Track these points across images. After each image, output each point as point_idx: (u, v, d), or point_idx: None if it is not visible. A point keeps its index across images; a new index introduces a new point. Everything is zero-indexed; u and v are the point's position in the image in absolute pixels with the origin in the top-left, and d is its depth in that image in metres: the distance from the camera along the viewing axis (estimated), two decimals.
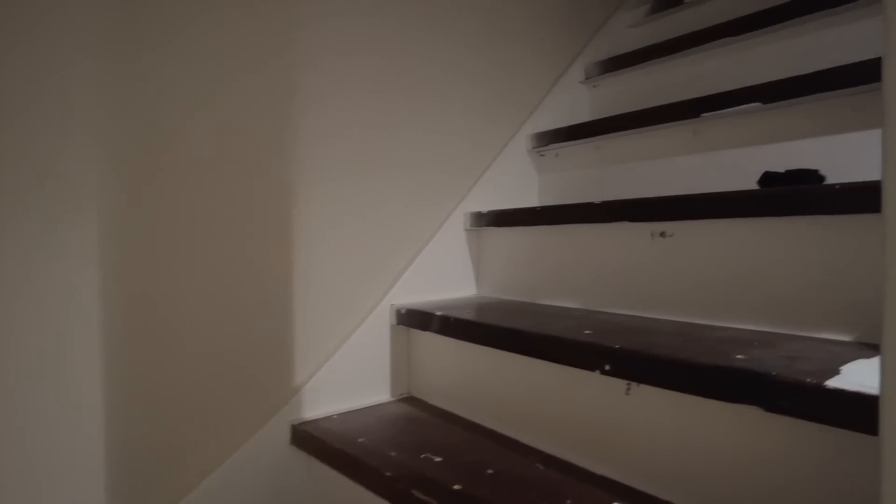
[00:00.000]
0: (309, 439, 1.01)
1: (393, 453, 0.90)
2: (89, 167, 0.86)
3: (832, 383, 0.55)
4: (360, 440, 0.96)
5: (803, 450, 0.61)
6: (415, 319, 1.11)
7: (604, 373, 0.77)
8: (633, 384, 0.78)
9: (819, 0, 1.09)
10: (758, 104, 1.01)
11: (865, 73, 0.87)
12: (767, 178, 0.97)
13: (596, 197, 1.33)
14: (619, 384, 0.80)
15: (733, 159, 1.09)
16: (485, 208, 1.32)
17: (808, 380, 0.56)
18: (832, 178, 0.95)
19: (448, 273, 1.27)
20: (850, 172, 0.93)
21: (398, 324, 1.16)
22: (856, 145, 0.93)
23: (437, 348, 1.13)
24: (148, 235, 0.91)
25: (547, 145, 1.39)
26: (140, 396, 0.91)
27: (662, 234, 0.96)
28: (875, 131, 0.90)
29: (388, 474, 0.83)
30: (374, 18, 1.15)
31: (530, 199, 1.45)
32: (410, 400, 1.17)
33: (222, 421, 0.99)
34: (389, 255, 1.19)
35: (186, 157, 0.94)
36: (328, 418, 1.06)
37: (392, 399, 1.17)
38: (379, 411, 1.10)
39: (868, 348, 0.69)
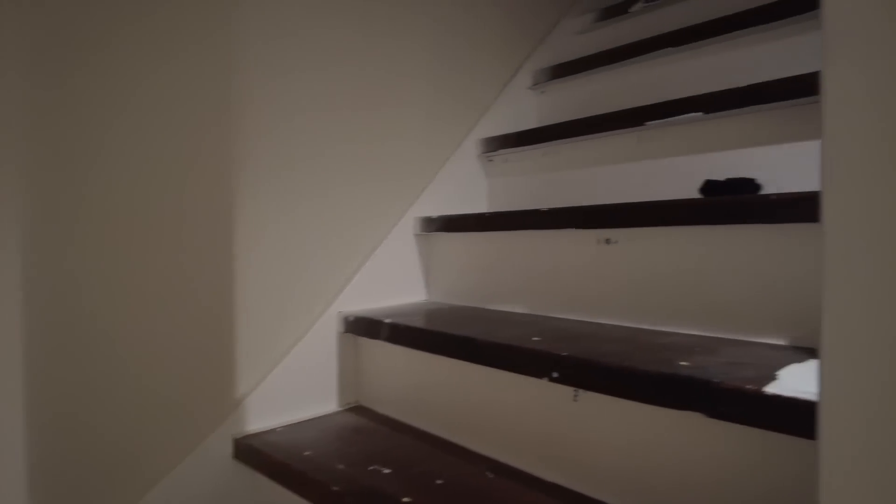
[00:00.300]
0: (252, 453, 0.97)
1: (340, 466, 0.88)
2: (6, 169, 0.80)
3: (770, 389, 0.56)
4: (307, 453, 0.93)
5: (744, 454, 0.63)
6: (363, 327, 1.09)
7: (552, 380, 0.77)
8: (581, 391, 0.79)
9: (755, 16, 1.13)
10: (699, 114, 1.04)
11: (797, 87, 0.91)
12: (709, 186, 0.99)
13: (544, 202, 1.35)
14: (567, 391, 0.81)
15: (676, 167, 1.12)
16: (435, 213, 1.31)
17: (748, 386, 0.58)
18: (767, 186, 0.99)
19: (397, 279, 1.26)
20: (784, 181, 0.97)
21: (346, 331, 1.13)
22: (788, 155, 0.97)
23: (386, 356, 1.12)
24: (78, 240, 0.86)
25: (496, 150, 1.40)
26: (69, 412, 0.86)
27: (608, 241, 0.98)
28: (805, 143, 0.93)
29: (336, 489, 0.81)
30: (321, 19, 1.13)
31: (480, 204, 1.45)
32: (359, 409, 1.14)
33: (160, 436, 0.94)
34: (337, 261, 1.16)
35: (112, 159, 0.89)
36: (273, 431, 1.03)
37: (340, 409, 1.14)
38: (326, 422, 1.07)
39: (802, 352, 0.72)
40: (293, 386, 1.08)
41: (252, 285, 1.04)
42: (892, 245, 0.38)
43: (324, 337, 1.13)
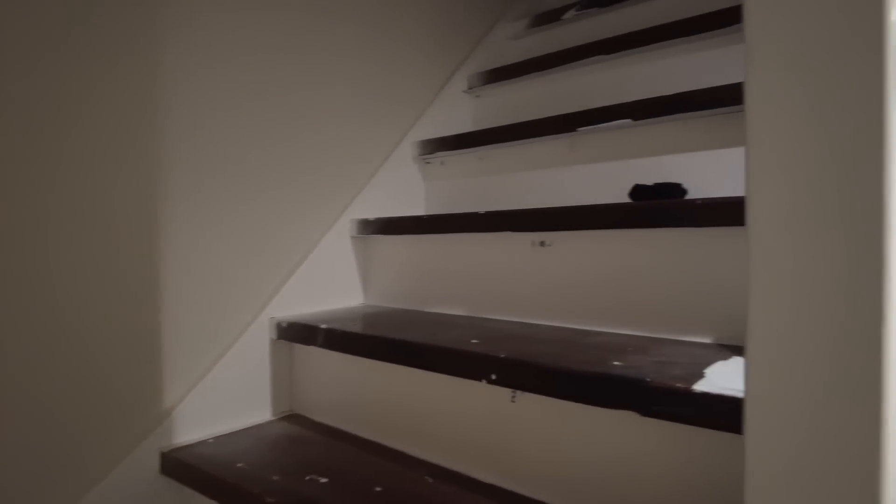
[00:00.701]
0: (181, 467, 0.92)
1: (276, 477, 0.85)
2: None
3: (699, 387, 0.59)
4: (240, 465, 0.89)
5: (677, 450, 0.65)
6: (297, 333, 1.06)
7: (490, 382, 0.77)
8: (519, 392, 0.80)
9: (682, 27, 1.18)
10: (628, 121, 1.07)
11: (720, 97, 0.96)
12: (637, 191, 1.03)
13: (481, 205, 1.36)
14: (506, 393, 0.81)
15: (607, 171, 1.15)
16: (372, 215, 1.29)
17: (678, 385, 0.60)
18: (693, 191, 1.03)
19: (334, 282, 1.23)
20: (709, 186, 1.02)
21: (279, 338, 1.10)
22: (713, 161, 1.02)
23: (322, 362, 1.09)
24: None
25: (432, 153, 1.40)
26: None
27: (542, 244, 0.99)
28: (728, 150, 0.99)
29: (271, 500, 0.78)
30: (247, 14, 1.09)
31: (417, 206, 1.44)
32: (294, 418, 1.11)
33: (80, 453, 0.88)
34: (269, 265, 1.13)
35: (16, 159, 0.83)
36: (203, 443, 0.98)
37: (274, 418, 1.11)
38: (260, 432, 1.04)
39: (726, 350, 0.76)
40: (224, 395, 1.04)
41: (178, 293, 0.99)
42: (814, 246, 0.41)
43: (256, 344, 1.10)
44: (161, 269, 0.97)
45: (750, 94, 0.44)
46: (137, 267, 0.94)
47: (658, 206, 0.83)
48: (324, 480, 0.84)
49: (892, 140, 0.40)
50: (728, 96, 0.95)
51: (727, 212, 0.76)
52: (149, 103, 0.95)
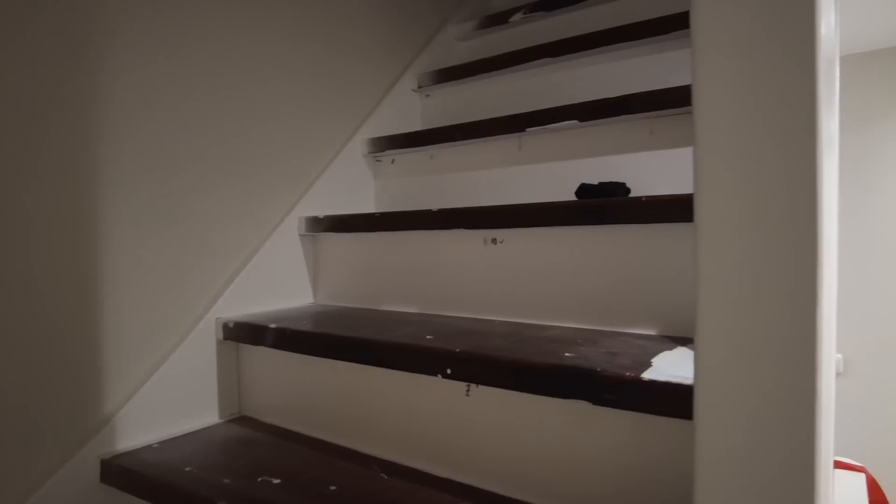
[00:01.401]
0: (123, 474, 0.89)
1: (226, 480, 0.83)
2: None
3: (647, 375, 0.62)
4: (187, 469, 0.86)
5: (628, 437, 0.68)
6: (245, 333, 1.04)
7: (445, 377, 0.78)
8: (473, 386, 0.81)
9: (627, 31, 1.23)
10: (575, 122, 1.11)
11: (663, 99, 1.00)
12: (583, 190, 1.06)
13: (431, 203, 1.36)
14: (460, 387, 0.82)
15: (555, 170, 1.19)
16: (321, 213, 1.28)
17: (628, 374, 0.63)
18: (636, 189, 1.08)
19: (282, 281, 1.21)
20: (652, 185, 1.07)
21: (226, 338, 1.07)
22: (654, 161, 1.07)
23: (272, 363, 1.07)
24: None
25: (383, 151, 1.39)
26: None
27: (494, 241, 1.01)
28: (670, 150, 1.03)
29: None
30: (191, 6, 1.06)
31: (367, 204, 1.43)
32: (242, 420, 1.09)
33: (11, 465, 0.83)
34: (216, 263, 1.10)
35: None
36: (147, 448, 0.95)
37: (222, 420, 1.08)
38: (208, 435, 1.01)
39: (670, 340, 0.80)
40: (170, 398, 1.01)
41: (119, 293, 0.95)
42: (758, 241, 0.44)
43: (202, 345, 1.06)
44: (101, 268, 0.93)
45: (697, 99, 0.47)
46: (74, 266, 0.90)
47: (605, 203, 0.86)
48: (276, 481, 0.82)
49: (824, 142, 0.43)
50: (670, 99, 1.00)
51: (670, 209, 0.80)
52: (85, 101, 0.91)
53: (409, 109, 1.56)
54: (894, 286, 2.90)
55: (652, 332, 0.85)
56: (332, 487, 0.80)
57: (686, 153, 1.03)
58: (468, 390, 0.81)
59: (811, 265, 0.42)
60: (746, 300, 0.45)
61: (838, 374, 3.05)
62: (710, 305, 0.47)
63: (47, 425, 0.87)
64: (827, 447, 0.55)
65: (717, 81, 0.45)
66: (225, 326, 1.07)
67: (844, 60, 3.03)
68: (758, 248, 0.44)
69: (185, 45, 1.04)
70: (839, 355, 3.04)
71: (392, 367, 0.84)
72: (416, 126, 1.57)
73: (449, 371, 0.77)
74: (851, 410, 2.98)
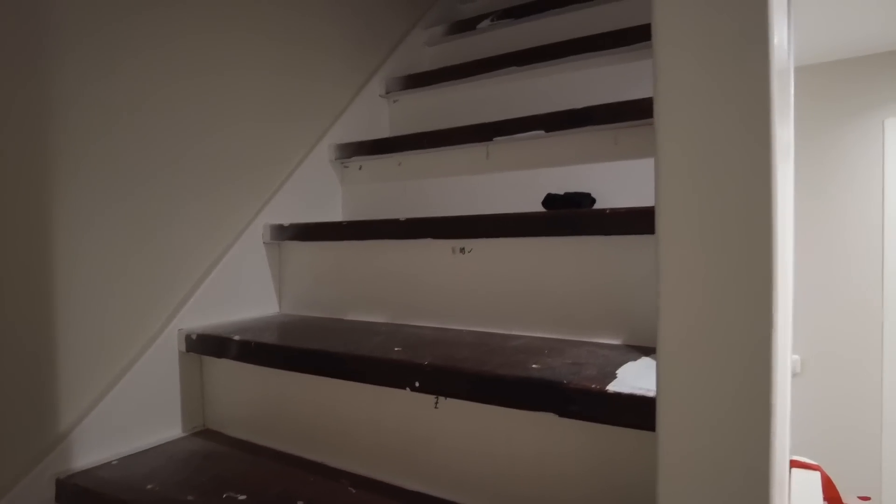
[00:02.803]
0: (80, 494, 0.86)
1: (190, 497, 0.81)
2: None
3: (612, 388, 0.63)
4: (149, 486, 0.84)
5: (594, 448, 0.69)
6: (208, 345, 1.02)
7: (414, 389, 0.78)
8: (442, 398, 0.81)
9: (592, 42, 1.25)
10: (541, 132, 1.12)
11: (625, 111, 1.02)
12: (550, 199, 1.08)
13: (399, 209, 1.36)
14: (429, 399, 0.82)
15: (522, 178, 1.20)
16: (287, 220, 1.26)
17: (593, 386, 0.64)
18: (601, 199, 1.09)
19: (246, 290, 1.19)
20: (616, 194, 1.08)
21: (188, 350, 1.05)
22: (618, 170, 1.09)
23: (236, 375, 1.05)
24: None
25: (350, 157, 1.38)
26: None
27: (462, 250, 1.01)
28: (633, 161, 1.05)
29: None
30: (151, 12, 1.03)
31: (334, 210, 1.42)
32: (206, 433, 1.06)
33: None
34: (177, 273, 1.07)
35: None
36: (107, 465, 0.92)
37: (185, 434, 1.05)
38: (170, 450, 0.98)
39: (634, 351, 0.81)
40: (130, 413, 0.98)
41: (76, 304, 0.92)
42: (716, 253, 0.45)
43: (164, 357, 1.04)
44: (57, 280, 0.90)
45: (659, 115, 0.48)
46: (29, 277, 0.87)
47: (569, 214, 0.87)
48: (242, 497, 0.81)
49: (778, 152, 0.44)
50: (633, 111, 1.02)
51: (633, 221, 0.82)
52: (39, 112, 0.88)
53: (376, 114, 1.55)
54: (849, 289, 3.01)
55: (617, 342, 0.87)
56: (300, 502, 0.79)
57: (650, 163, 1.05)
58: (437, 403, 0.81)
59: (766, 276, 0.44)
60: (705, 312, 0.46)
61: (795, 375, 3.15)
62: (670, 319, 0.48)
63: (2, 443, 0.84)
64: (782, 451, 0.56)
65: (678, 96, 0.46)
66: (188, 338, 1.04)
67: (801, 70, 3.14)
68: (716, 260, 0.45)
69: (146, 49, 1.01)
70: (796, 356, 3.14)
71: (361, 381, 0.83)
72: (384, 131, 1.57)
73: (417, 384, 0.77)
74: (807, 409, 3.08)
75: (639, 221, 0.81)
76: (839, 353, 3.02)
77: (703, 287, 0.46)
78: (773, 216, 0.44)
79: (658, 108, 0.48)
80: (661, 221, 0.48)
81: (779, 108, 0.47)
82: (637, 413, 0.60)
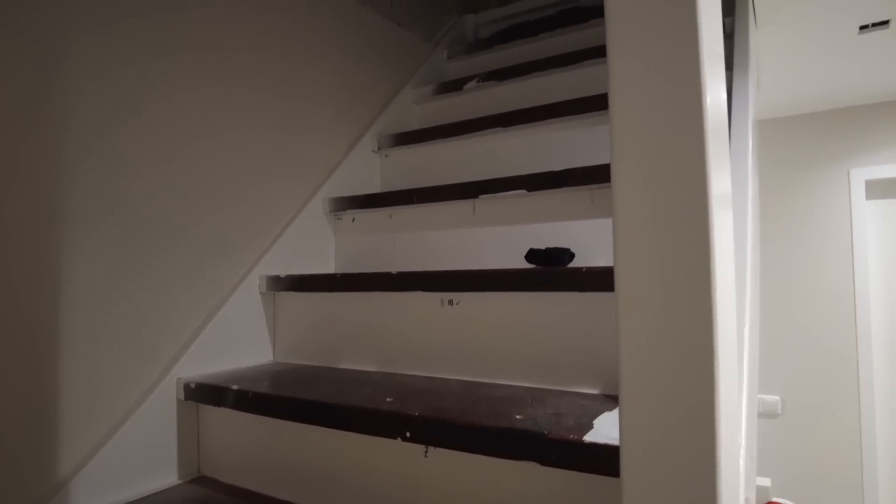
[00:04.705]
0: None
1: None
2: None
3: (588, 438, 0.68)
4: None
5: (572, 494, 0.74)
6: (206, 394, 1.06)
7: (405, 440, 0.83)
8: (432, 448, 0.86)
9: (569, 106, 1.35)
10: (523, 191, 1.20)
11: (598, 174, 1.11)
12: (532, 254, 1.15)
13: (389, 260, 1.42)
14: (419, 448, 0.87)
15: (506, 233, 1.27)
16: (282, 270, 1.32)
17: (572, 436, 0.69)
18: (580, 253, 1.17)
19: (242, 340, 1.24)
20: (593, 249, 1.16)
21: (186, 399, 1.09)
22: (596, 227, 1.16)
23: (233, 423, 1.09)
24: None
25: (344, 210, 1.45)
26: None
27: (451, 302, 1.08)
28: (605, 219, 1.13)
29: None
30: (154, 66, 1.11)
31: (328, 260, 1.48)
32: (202, 480, 1.09)
33: None
34: (176, 323, 1.12)
35: None
36: None
37: (181, 481, 1.08)
38: (166, 497, 1.01)
39: (610, 400, 0.87)
40: (128, 461, 1.01)
41: (77, 355, 0.97)
42: (672, 310, 0.51)
43: (162, 406, 1.08)
44: (59, 332, 0.94)
45: (615, 180, 0.55)
46: (31, 330, 0.91)
47: (548, 272, 0.94)
48: None
49: (714, 204, 0.52)
50: (606, 173, 1.10)
51: (608, 278, 0.89)
52: (54, 162, 0.94)
53: (368, 168, 1.63)
54: (827, 331, 3.10)
55: (596, 391, 0.92)
56: None
57: None
58: (426, 452, 0.86)
59: (708, 329, 0.50)
60: (660, 367, 0.52)
61: (776, 415, 3.21)
62: (629, 372, 0.54)
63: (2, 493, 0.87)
64: (734, 494, 0.62)
65: (630, 162, 0.54)
66: (186, 387, 1.08)
67: (772, 122, 3.30)
68: (665, 314, 0.52)
69: (145, 108, 1.08)
70: (776, 397, 3.21)
71: (353, 430, 0.88)
72: (375, 184, 1.64)
73: (408, 434, 0.82)
74: (788, 450, 3.13)
75: (611, 279, 0.87)
76: (818, 394, 3.09)
77: (658, 340, 0.52)
78: (711, 273, 0.50)
79: (614, 170, 0.55)
80: (619, 280, 0.55)
81: (714, 163, 0.54)
82: (609, 462, 0.66)
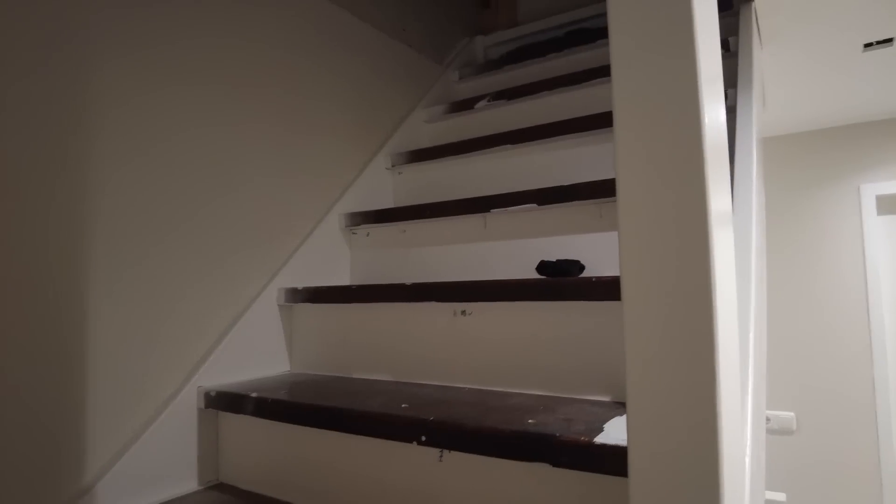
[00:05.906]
0: None
1: None
2: None
3: (599, 440, 0.71)
4: None
5: (583, 493, 0.76)
6: (226, 402, 1.09)
7: (420, 444, 0.86)
8: (446, 452, 0.88)
9: (577, 123, 1.38)
10: (534, 205, 1.23)
11: (606, 188, 1.14)
12: (543, 266, 1.18)
13: (403, 273, 1.46)
14: (433, 452, 0.90)
15: (517, 246, 1.30)
16: (299, 283, 1.36)
17: (582, 438, 0.72)
18: (589, 265, 1.20)
19: (260, 350, 1.27)
20: (603, 262, 1.19)
21: (207, 407, 1.12)
22: (604, 240, 1.19)
23: (251, 431, 1.12)
24: None
25: (358, 225, 1.49)
26: None
27: (464, 313, 1.11)
28: (613, 233, 1.16)
29: None
30: (179, 89, 1.16)
31: (343, 273, 1.52)
32: (220, 487, 1.12)
33: None
34: (197, 334, 1.16)
35: None
36: None
37: (200, 488, 1.11)
38: (186, 503, 1.04)
39: (620, 406, 0.89)
40: (150, 467, 1.04)
41: (102, 364, 1.00)
42: (673, 320, 0.54)
43: (183, 413, 1.11)
44: (85, 342, 0.98)
45: (621, 195, 0.58)
46: (59, 339, 0.95)
47: (561, 282, 0.97)
48: None
49: (713, 222, 0.55)
50: (613, 188, 1.13)
51: (616, 288, 0.91)
52: (82, 175, 0.99)
53: (382, 185, 1.67)
54: (841, 346, 3.08)
55: (606, 399, 0.95)
56: None
57: None
58: (441, 456, 0.89)
59: (708, 339, 0.53)
60: (665, 371, 0.55)
61: (792, 432, 3.18)
62: (636, 377, 0.56)
63: (24, 497, 0.90)
64: (739, 491, 0.63)
65: (631, 180, 0.57)
66: (206, 395, 1.12)
67: (781, 140, 3.33)
68: (669, 323, 0.54)
69: (177, 128, 1.14)
70: (791, 414, 3.19)
71: (370, 435, 0.91)
72: (389, 199, 1.69)
73: (423, 438, 0.85)
74: (804, 467, 3.10)
75: (619, 289, 0.90)
76: (833, 411, 3.06)
77: (662, 347, 0.55)
78: (711, 282, 0.53)
79: (618, 187, 0.59)
80: (625, 292, 0.57)
81: (713, 180, 0.57)
82: (619, 462, 0.68)
